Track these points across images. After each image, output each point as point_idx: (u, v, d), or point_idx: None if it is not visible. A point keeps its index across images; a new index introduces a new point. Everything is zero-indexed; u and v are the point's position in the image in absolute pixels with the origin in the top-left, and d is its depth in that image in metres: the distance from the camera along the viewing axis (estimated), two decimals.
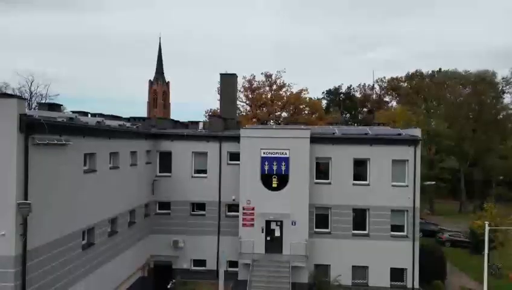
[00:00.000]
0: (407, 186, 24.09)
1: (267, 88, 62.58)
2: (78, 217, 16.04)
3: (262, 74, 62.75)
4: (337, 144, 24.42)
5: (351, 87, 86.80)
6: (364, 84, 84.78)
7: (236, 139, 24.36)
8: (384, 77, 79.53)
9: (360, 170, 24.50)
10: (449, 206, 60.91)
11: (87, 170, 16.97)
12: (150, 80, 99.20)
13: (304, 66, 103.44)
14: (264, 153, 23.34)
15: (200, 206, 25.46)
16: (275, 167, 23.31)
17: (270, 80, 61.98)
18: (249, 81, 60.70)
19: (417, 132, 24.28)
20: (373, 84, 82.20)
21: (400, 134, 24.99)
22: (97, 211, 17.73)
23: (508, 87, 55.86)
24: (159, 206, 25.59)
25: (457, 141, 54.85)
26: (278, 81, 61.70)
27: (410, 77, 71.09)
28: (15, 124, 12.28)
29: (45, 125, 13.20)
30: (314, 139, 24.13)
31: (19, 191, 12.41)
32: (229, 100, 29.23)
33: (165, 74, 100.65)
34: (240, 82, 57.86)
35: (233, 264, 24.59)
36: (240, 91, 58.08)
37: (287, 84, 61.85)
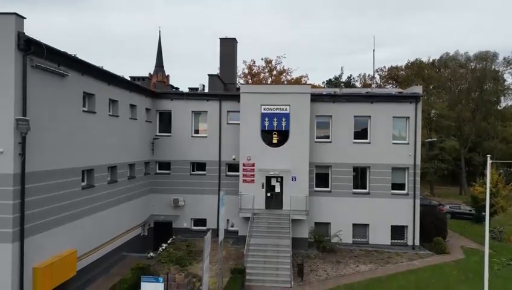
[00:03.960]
0: (407, 143, 23.98)
1: (267, 74, 62.38)
2: (77, 154, 15.96)
3: (262, 59, 62.63)
4: (338, 102, 24.28)
5: (351, 77, 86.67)
6: (365, 74, 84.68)
7: (236, 98, 24.24)
8: (385, 66, 79.49)
9: (360, 128, 24.38)
10: (449, 190, 60.84)
11: (86, 110, 16.88)
12: (149, 73, 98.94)
13: (304, 64, 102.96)
14: (264, 109, 23.20)
15: (200, 166, 25.36)
16: (275, 123, 23.18)
17: (270, 65, 61.80)
18: (249, 67, 60.53)
19: (418, 89, 24.14)
20: (373, 75, 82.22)
21: (400, 92, 24.86)
22: (96, 154, 17.65)
23: (508, 68, 55.57)
24: (159, 166, 25.50)
25: (457, 123, 54.79)
26: (278, 67, 61.52)
27: (410, 66, 70.96)
28: (13, 40, 12.20)
29: (44, 47, 13.12)
30: (315, 98, 24.01)
31: (17, 108, 12.32)
32: (228, 65, 29.03)
33: (164, 68, 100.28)
34: (240, 68, 57.77)
35: (233, 224, 24.68)
36: (239, 77, 57.90)
37: (287, 69, 61.74)
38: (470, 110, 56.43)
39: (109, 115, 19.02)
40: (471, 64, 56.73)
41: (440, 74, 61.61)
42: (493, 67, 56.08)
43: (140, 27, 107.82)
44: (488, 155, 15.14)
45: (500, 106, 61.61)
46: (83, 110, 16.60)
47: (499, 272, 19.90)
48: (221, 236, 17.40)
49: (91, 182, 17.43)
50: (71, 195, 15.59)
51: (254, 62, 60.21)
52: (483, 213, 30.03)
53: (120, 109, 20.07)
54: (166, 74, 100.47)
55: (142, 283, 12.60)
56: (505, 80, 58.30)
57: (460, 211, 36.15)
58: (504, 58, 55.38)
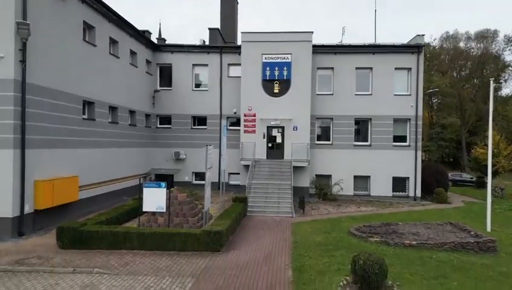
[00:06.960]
0: (409, 94, 23.88)
1: None
2: (77, 81, 15.90)
3: None
4: (339, 54, 24.16)
5: None
6: None
7: (237, 50, 24.16)
8: None
9: (362, 79, 24.25)
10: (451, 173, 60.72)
11: (87, 41, 16.78)
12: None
13: None
14: (265, 58, 23.06)
15: (201, 120, 25.29)
16: (276, 73, 23.05)
17: None
18: None
19: (420, 40, 24.01)
20: None
21: (403, 43, 24.73)
22: (97, 88, 17.58)
23: (509, 45, 55.34)
24: (160, 121, 25.43)
25: (458, 101, 54.66)
26: None
27: None
28: None
29: None
30: (317, 49, 23.83)
31: (17, 13, 12.23)
32: (229, 24, 28.91)
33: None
34: None
35: (234, 178, 24.66)
36: None
37: None
38: (470, 92, 56.16)
39: (110, 53, 18.93)
40: (472, 44, 56.57)
41: (441, 60, 61.29)
42: (493, 45, 55.92)
43: (140, 16, 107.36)
44: (492, 78, 14.99)
45: (501, 93, 61.29)
46: (84, 40, 16.51)
47: (501, 213, 19.88)
48: (224, 165, 17.39)
49: (92, 116, 17.36)
50: (72, 121, 15.53)
51: None
52: (484, 178, 30.03)
53: (120, 51, 19.97)
54: None
55: (144, 188, 12.57)
56: (505, 63, 58.14)
57: (462, 179, 36.14)
58: (505, 36, 55.15)
